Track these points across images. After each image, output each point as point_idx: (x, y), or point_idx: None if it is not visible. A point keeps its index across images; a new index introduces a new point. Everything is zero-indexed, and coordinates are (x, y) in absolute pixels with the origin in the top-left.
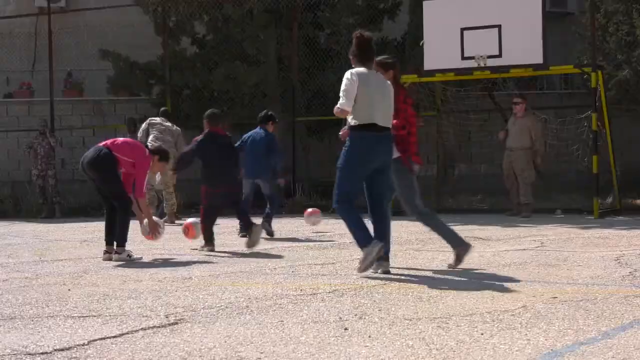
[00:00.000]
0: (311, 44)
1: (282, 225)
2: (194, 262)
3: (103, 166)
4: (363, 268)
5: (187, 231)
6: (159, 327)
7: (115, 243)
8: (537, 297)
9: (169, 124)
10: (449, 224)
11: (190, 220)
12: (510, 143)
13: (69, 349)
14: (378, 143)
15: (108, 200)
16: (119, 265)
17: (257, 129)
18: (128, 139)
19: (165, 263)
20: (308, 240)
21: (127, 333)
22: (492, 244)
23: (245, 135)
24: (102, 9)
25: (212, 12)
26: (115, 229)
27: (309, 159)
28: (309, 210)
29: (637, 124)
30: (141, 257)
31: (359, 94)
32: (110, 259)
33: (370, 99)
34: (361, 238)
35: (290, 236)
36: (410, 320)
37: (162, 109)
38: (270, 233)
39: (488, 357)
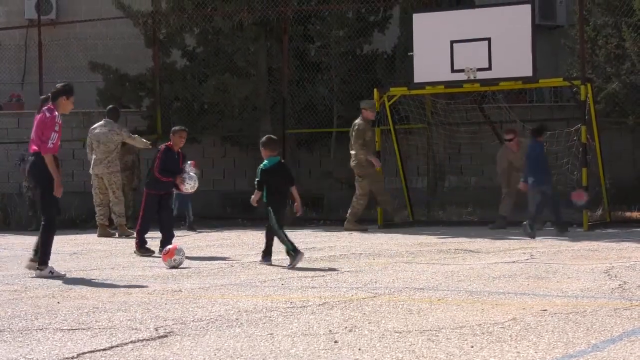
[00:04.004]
0: (301, 57)
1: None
2: (184, 275)
3: (40, 174)
4: None
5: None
6: (148, 340)
7: (39, 260)
8: (527, 310)
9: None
10: (439, 235)
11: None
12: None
13: None
14: None
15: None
16: (107, 278)
17: None
18: (39, 121)
19: (155, 276)
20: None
21: (117, 346)
22: (482, 257)
23: None
24: (92, 21)
25: (202, 25)
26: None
27: (299, 171)
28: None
29: (626, 136)
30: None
31: None
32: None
33: None
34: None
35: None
36: (400, 333)
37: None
38: None
39: None
